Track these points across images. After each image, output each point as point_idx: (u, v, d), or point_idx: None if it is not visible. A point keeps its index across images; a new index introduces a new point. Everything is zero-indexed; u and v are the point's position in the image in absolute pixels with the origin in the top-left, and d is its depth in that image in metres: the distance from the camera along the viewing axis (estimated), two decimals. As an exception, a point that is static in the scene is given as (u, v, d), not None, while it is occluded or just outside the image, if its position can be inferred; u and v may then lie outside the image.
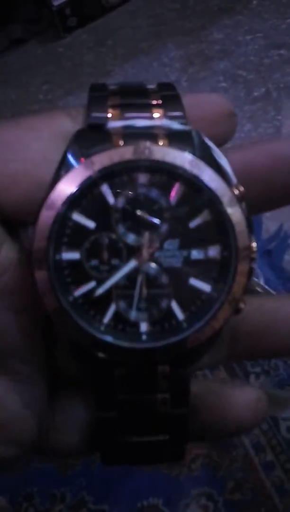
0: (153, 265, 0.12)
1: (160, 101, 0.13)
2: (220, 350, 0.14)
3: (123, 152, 0.12)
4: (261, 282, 0.71)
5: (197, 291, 0.13)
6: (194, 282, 0.13)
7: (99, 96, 0.13)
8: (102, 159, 0.12)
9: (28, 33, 1.36)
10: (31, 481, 0.64)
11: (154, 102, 0.13)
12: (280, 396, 0.14)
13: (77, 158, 0.12)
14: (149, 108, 0.13)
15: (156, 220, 0.12)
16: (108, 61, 1.19)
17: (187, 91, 0.85)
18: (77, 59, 1.24)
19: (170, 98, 0.13)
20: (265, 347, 0.14)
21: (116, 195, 0.12)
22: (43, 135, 0.12)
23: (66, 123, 0.13)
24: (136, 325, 0.12)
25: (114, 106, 0.12)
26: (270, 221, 0.77)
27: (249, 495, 0.57)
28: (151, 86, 0.14)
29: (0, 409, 0.13)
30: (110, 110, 0.12)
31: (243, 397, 0.13)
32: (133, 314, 0.12)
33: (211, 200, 0.12)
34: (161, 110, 0.13)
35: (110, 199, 0.12)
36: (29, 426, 0.14)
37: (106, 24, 1.30)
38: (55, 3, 1.23)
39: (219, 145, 0.13)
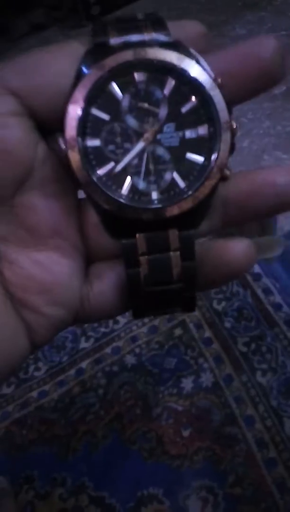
0: (157, 145, 0.16)
1: (149, 23, 0.16)
2: (214, 218, 0.17)
3: (125, 55, 0.15)
4: (271, 281, 0.70)
5: (193, 163, 0.16)
6: (189, 156, 0.16)
7: (100, 25, 0.16)
8: (109, 62, 0.15)
9: (49, 19, 1.35)
10: (32, 464, 0.64)
11: (144, 25, 0.16)
12: (263, 243, 0.17)
13: (89, 68, 0.15)
14: (140, 29, 0.16)
15: (155, 109, 0.15)
16: (129, 51, 1.19)
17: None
18: (98, 47, 1.23)
19: (157, 21, 0.16)
20: (250, 210, 0.17)
21: (122, 91, 0.15)
22: (60, 56, 0.15)
23: (78, 47, 0.16)
24: (148, 194, 0.16)
25: (112, 30, 0.16)
26: (284, 220, 0.76)
27: (250, 490, 0.57)
28: (141, 15, 0.17)
29: (50, 276, 0.17)
30: (110, 33, 0.16)
31: (236, 245, 0.17)
32: (144, 186, 0.16)
33: (197, 87, 0.15)
34: (150, 29, 0.16)
35: (119, 94, 0.15)
36: (73, 292, 0.17)
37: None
38: (79, -10, 1.23)
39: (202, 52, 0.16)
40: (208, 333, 0.68)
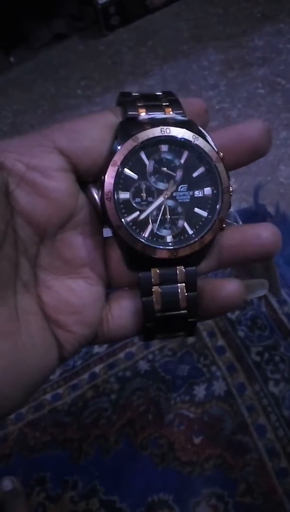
0: (172, 200, 0.20)
1: (167, 103, 0.20)
2: (212, 260, 0.21)
3: (154, 131, 0.19)
4: (286, 291, 0.71)
5: (200, 216, 0.20)
6: (197, 210, 0.20)
7: (130, 100, 0.20)
8: (142, 136, 0.19)
9: (71, 29, 1.38)
10: (45, 466, 0.65)
11: (165, 103, 0.20)
12: (252, 284, 0.20)
13: (123, 138, 0.19)
14: (162, 107, 0.20)
15: (173, 173, 0.20)
16: (148, 61, 1.20)
17: (225, 95, 0.85)
18: (117, 57, 1.25)
19: (174, 101, 0.20)
20: (240, 255, 0.21)
21: (148, 158, 0.19)
22: (100, 125, 0.19)
23: (112, 117, 0.20)
24: (164, 238, 0.20)
25: (141, 107, 0.20)
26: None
27: (260, 499, 0.57)
28: (159, 93, 0.21)
29: (80, 300, 0.20)
30: (139, 109, 0.20)
31: (229, 284, 0.21)
32: (162, 231, 0.20)
33: (206, 159, 0.20)
34: (169, 109, 0.20)
35: (146, 161, 0.19)
36: (97, 314, 0.21)
37: (148, 25, 1.31)
38: (100, 1, 1.25)
39: (202, 123, 0.21)
40: (221, 342, 0.68)
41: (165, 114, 0.20)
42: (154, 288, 0.20)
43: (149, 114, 0.19)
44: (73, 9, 1.38)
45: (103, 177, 0.19)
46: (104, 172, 0.19)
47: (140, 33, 1.30)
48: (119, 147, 0.19)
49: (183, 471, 0.60)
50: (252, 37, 1.15)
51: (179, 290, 0.20)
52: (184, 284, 0.20)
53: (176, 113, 0.20)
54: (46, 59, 1.35)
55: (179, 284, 0.20)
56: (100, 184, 0.19)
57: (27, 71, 1.33)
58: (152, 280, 0.20)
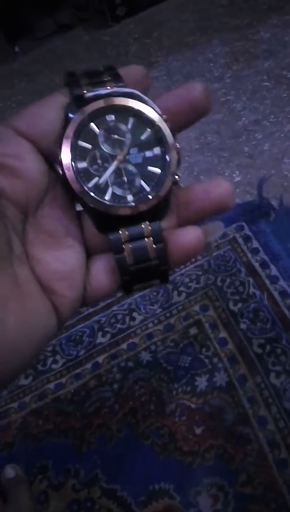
0: (126, 163, 0.21)
1: (110, 78, 0.21)
2: (171, 218, 0.23)
3: (98, 103, 0.21)
4: (288, 284, 0.71)
5: (153, 173, 0.22)
6: (150, 168, 0.22)
7: (74, 80, 0.21)
8: (88, 109, 0.20)
9: (76, 19, 1.37)
10: (47, 454, 0.66)
11: (106, 79, 0.21)
12: (206, 228, 0.22)
13: (72, 112, 0.20)
14: (105, 83, 0.21)
15: (123, 138, 0.21)
16: (153, 52, 1.19)
17: (230, 88, 0.85)
18: (122, 48, 1.24)
19: (115, 75, 0.22)
20: (194, 212, 0.23)
21: (99, 128, 0.21)
22: (52, 107, 0.21)
23: (62, 98, 0.21)
24: (124, 197, 0.21)
25: (85, 85, 0.21)
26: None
27: (260, 489, 0.57)
28: (101, 69, 0.22)
29: (67, 267, 0.22)
30: (84, 87, 0.21)
31: (190, 231, 0.22)
32: (121, 191, 0.21)
33: (151, 122, 0.21)
34: (112, 83, 0.21)
35: (96, 130, 0.21)
36: (82, 278, 0.23)
37: (153, 16, 1.30)
38: (106, -8, 1.25)
39: (146, 90, 0.23)
40: (223, 334, 0.69)
41: (108, 89, 0.21)
42: (125, 245, 0.21)
43: (93, 91, 0.21)
44: (78, 0, 1.37)
45: (59, 151, 0.21)
46: (59, 146, 0.21)
47: (146, 24, 1.29)
48: (71, 119, 0.21)
49: (184, 461, 0.61)
50: (258, 29, 1.14)
51: (147, 244, 0.22)
52: (151, 238, 0.22)
53: (118, 86, 0.21)
54: (50, 49, 1.34)
55: (146, 239, 0.22)
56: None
57: (31, 62, 1.32)
58: (122, 238, 0.21)
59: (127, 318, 0.74)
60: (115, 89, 0.21)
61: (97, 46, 1.29)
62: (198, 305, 0.73)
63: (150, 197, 0.21)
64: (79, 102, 0.21)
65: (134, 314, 0.74)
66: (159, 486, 0.60)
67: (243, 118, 0.95)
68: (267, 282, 0.72)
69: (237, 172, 0.86)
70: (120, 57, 1.22)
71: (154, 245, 0.22)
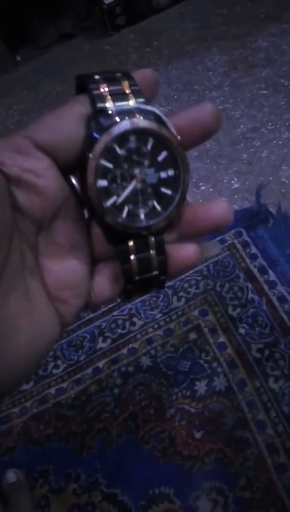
0: (143, 183, 0.22)
1: (131, 92, 0.22)
2: (173, 232, 0.24)
3: (124, 125, 0.21)
4: (286, 289, 0.71)
5: (165, 194, 0.23)
6: (163, 190, 0.23)
7: (95, 87, 0.22)
8: (114, 130, 0.21)
9: (76, 28, 1.39)
10: (48, 459, 0.66)
11: (128, 91, 0.22)
12: (204, 245, 0.24)
13: (97, 131, 0.21)
14: (127, 96, 0.22)
15: (141, 159, 0.22)
16: (153, 61, 1.21)
17: (229, 96, 0.86)
18: (123, 57, 1.26)
19: (136, 92, 0.22)
20: (195, 229, 0.24)
21: (121, 148, 0.21)
22: (72, 119, 0.21)
23: (82, 108, 0.21)
24: (138, 216, 0.22)
25: (107, 97, 0.21)
26: (302, 229, 0.77)
27: (260, 494, 0.58)
28: (118, 74, 0.23)
29: (74, 277, 0.23)
30: (106, 99, 0.21)
31: (188, 247, 0.24)
32: (136, 211, 0.22)
33: (167, 145, 0.22)
34: (132, 97, 0.22)
35: (119, 151, 0.21)
36: (87, 286, 0.24)
37: (153, 25, 1.32)
38: (106, 1, 1.26)
39: (152, 98, 0.24)
40: (222, 338, 0.69)
41: (129, 104, 0.22)
42: (132, 257, 0.23)
43: (116, 106, 0.22)
44: (79, 10, 1.39)
45: (84, 170, 0.21)
46: (84, 165, 0.21)
47: (146, 33, 1.31)
48: (96, 140, 0.21)
49: (184, 465, 0.61)
50: (256, 37, 1.15)
51: (151, 255, 0.23)
52: (155, 251, 0.23)
53: (139, 102, 0.22)
54: (52, 58, 1.36)
55: (151, 251, 0.23)
56: (80, 175, 0.22)
57: (33, 70, 1.34)
58: (129, 250, 0.23)
59: (128, 323, 0.75)
60: (137, 105, 0.22)
61: (98, 55, 1.31)
62: (197, 310, 0.73)
63: (161, 217, 0.23)
64: (102, 117, 0.21)
65: (134, 319, 0.75)
66: (159, 490, 0.61)
67: (242, 126, 0.96)
68: (266, 287, 0.72)
69: (235, 179, 0.87)
70: (121, 65, 1.24)
71: (157, 257, 0.23)
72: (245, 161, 0.89)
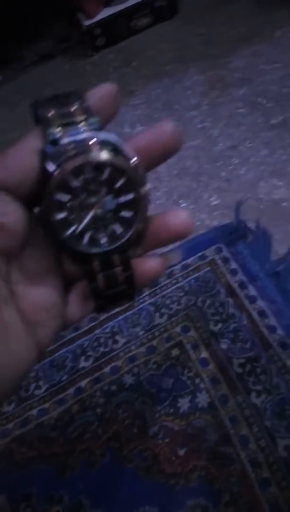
0: (102, 210, 0.23)
1: (83, 116, 0.22)
2: (138, 249, 0.25)
3: (78, 160, 0.21)
4: (266, 304, 0.73)
5: (125, 217, 0.23)
6: (123, 213, 0.23)
7: (46, 117, 0.22)
8: (68, 166, 0.21)
9: (57, 49, 1.41)
10: (31, 481, 0.65)
11: (80, 118, 0.22)
12: (166, 257, 0.26)
13: (50, 165, 0.21)
14: (78, 124, 0.22)
15: (99, 188, 0.22)
16: (132, 81, 1.23)
17: (207, 115, 0.88)
18: (103, 77, 1.28)
19: (87, 110, 0.22)
20: (157, 241, 0.25)
21: (76, 180, 0.22)
22: (26, 153, 0.21)
23: (35, 142, 0.21)
24: (99, 240, 0.23)
25: (59, 126, 0.22)
26: (280, 244, 0.79)
27: (244, 510, 0.58)
28: (71, 99, 0.23)
29: (49, 300, 0.25)
30: (57, 129, 0.22)
31: (152, 260, 0.25)
32: (96, 236, 0.23)
33: (124, 170, 0.22)
34: (85, 124, 0.22)
35: (75, 182, 0.22)
36: (62, 307, 0.25)
37: (132, 46, 1.35)
38: (86, 23, 1.29)
39: (113, 114, 0.24)
40: (204, 354, 0.70)
41: (80, 130, 0.22)
42: (98, 276, 0.24)
43: (68, 137, 0.22)
44: (59, 31, 1.42)
45: (42, 204, 0.22)
46: (42, 199, 0.22)
47: (125, 54, 1.33)
48: (51, 174, 0.21)
49: (168, 483, 0.61)
50: (232, 58, 1.19)
51: (116, 272, 0.24)
52: (120, 267, 0.24)
53: (92, 128, 0.22)
54: (32, 78, 1.38)
55: (117, 268, 0.24)
56: (40, 208, 0.23)
57: (13, 90, 1.35)
58: (95, 270, 0.24)
59: (110, 341, 0.75)
60: (90, 133, 0.22)
61: (78, 75, 1.33)
62: (179, 326, 0.74)
63: (123, 239, 0.24)
64: (54, 151, 0.21)
65: (117, 337, 0.75)
66: (144, 509, 0.60)
67: (220, 144, 0.98)
68: (246, 302, 0.73)
69: (215, 195, 0.89)
70: (101, 85, 1.26)
71: (123, 273, 0.24)
72: (224, 178, 0.91)
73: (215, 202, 0.88)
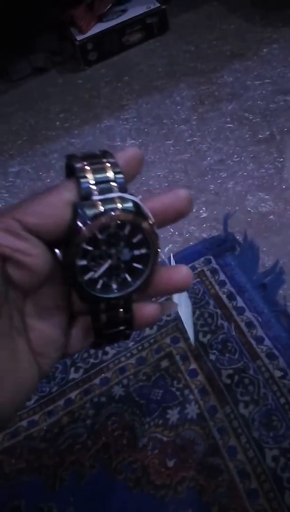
0: (118, 260, 0.25)
1: (112, 174, 0.25)
2: (141, 296, 0.28)
3: (105, 219, 0.23)
4: (254, 315, 0.74)
5: (137, 269, 0.26)
6: (135, 265, 0.26)
7: (81, 174, 0.24)
8: (96, 224, 0.23)
9: (50, 63, 1.43)
10: (19, 494, 0.65)
11: (110, 175, 0.24)
12: (164, 304, 0.30)
13: (81, 220, 0.23)
14: (109, 182, 0.24)
15: (119, 241, 0.25)
16: (124, 95, 1.25)
17: (196, 129, 0.90)
18: (95, 91, 1.30)
19: (115, 168, 0.25)
20: (160, 289, 0.28)
21: (101, 234, 0.24)
22: (59, 205, 0.23)
23: (68, 194, 0.24)
24: (111, 287, 0.26)
25: (93, 185, 0.24)
26: (267, 256, 0.80)
27: (232, 521, 0.58)
28: (104, 160, 0.25)
29: (57, 333, 0.27)
30: (91, 187, 0.24)
31: (150, 306, 0.28)
32: (110, 282, 0.26)
33: (143, 229, 0.25)
34: (113, 180, 0.24)
35: (100, 236, 0.24)
36: (63, 340, 0.27)
37: (124, 61, 1.37)
38: (78, 38, 1.31)
39: (135, 174, 0.27)
40: (193, 365, 0.71)
41: (113, 190, 0.24)
42: (102, 315, 0.26)
43: (101, 195, 0.24)
44: (52, 45, 1.44)
45: (68, 248, 0.24)
46: (68, 245, 0.24)
47: (117, 69, 1.35)
48: (80, 228, 0.23)
49: (157, 495, 0.61)
50: (221, 73, 1.21)
51: (119, 314, 0.27)
52: (122, 309, 0.27)
53: (119, 182, 0.24)
54: (26, 91, 1.39)
55: (120, 310, 0.27)
56: (63, 249, 0.25)
57: (7, 103, 1.37)
58: (100, 310, 0.26)
59: (100, 353, 0.75)
60: (119, 194, 0.24)
61: (71, 89, 1.35)
62: (169, 337, 0.75)
63: (132, 287, 0.26)
64: (86, 206, 0.24)
65: (107, 348, 0.76)
66: (133, 522, 0.60)
67: (209, 158, 1.00)
68: (234, 313, 0.74)
69: (204, 208, 0.91)
70: (93, 99, 1.28)
71: (124, 315, 0.27)
72: (212, 192, 0.93)
73: (204, 215, 0.90)
